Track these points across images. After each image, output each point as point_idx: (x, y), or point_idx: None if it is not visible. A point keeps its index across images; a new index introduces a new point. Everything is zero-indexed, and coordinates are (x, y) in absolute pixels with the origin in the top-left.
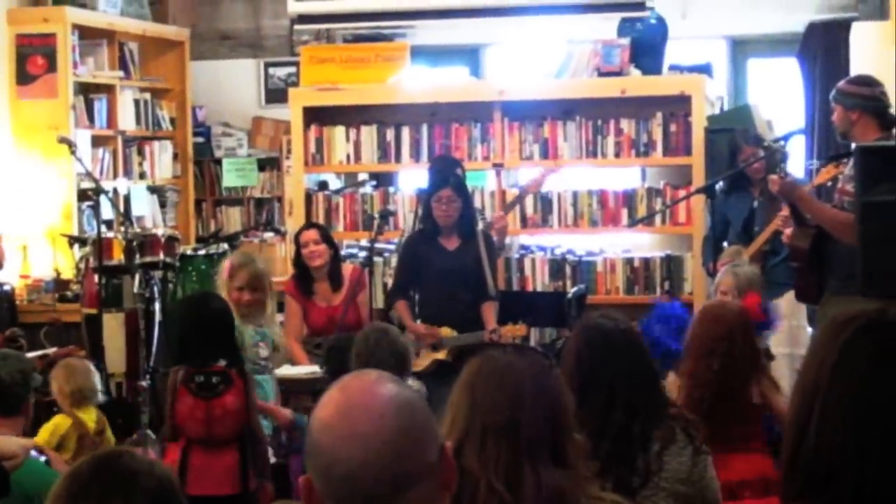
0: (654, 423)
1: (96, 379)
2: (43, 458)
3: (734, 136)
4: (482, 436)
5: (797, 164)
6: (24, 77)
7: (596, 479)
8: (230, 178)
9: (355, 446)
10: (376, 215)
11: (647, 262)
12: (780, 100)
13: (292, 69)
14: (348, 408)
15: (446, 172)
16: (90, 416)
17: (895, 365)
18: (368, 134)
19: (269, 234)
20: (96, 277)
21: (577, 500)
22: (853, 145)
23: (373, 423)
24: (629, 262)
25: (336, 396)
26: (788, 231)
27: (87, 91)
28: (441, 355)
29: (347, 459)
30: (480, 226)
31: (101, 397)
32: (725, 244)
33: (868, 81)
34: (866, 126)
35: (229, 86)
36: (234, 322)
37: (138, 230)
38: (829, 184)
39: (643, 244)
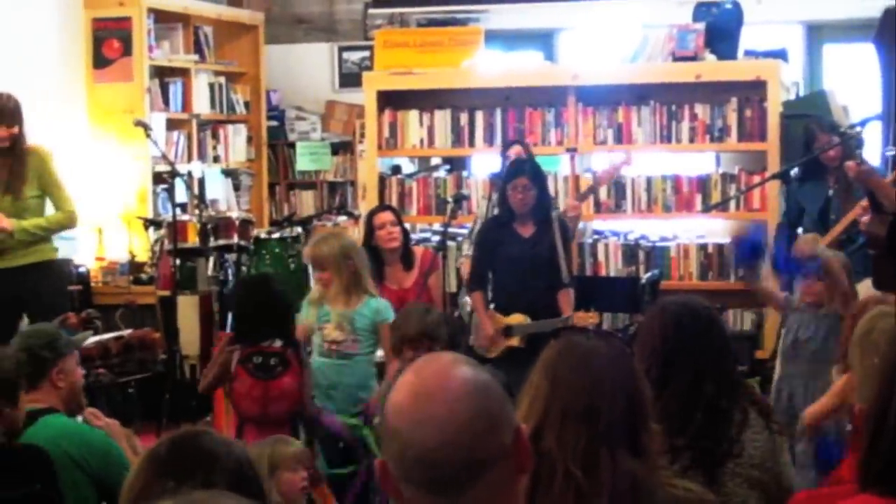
0: (733, 405)
1: None
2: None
3: (809, 124)
4: (561, 420)
5: (873, 150)
6: (100, 61)
7: (674, 464)
8: (303, 161)
9: (430, 430)
10: (450, 199)
11: (720, 248)
12: (857, 86)
13: (366, 53)
14: (423, 391)
15: (520, 159)
16: None
17: None
18: (442, 118)
19: (342, 218)
20: (171, 260)
21: (651, 487)
22: None
23: (447, 407)
24: (703, 247)
25: (410, 380)
26: (866, 219)
27: (162, 75)
28: (514, 342)
29: (422, 443)
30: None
31: None
32: (800, 231)
33: None
34: None
35: (303, 70)
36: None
37: (213, 213)
38: None
39: (717, 230)
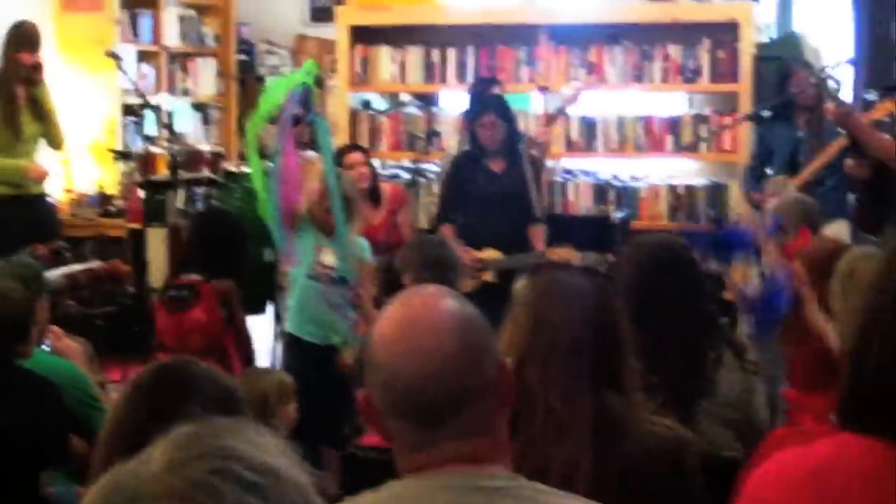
0: (708, 344)
1: None
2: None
3: (784, 62)
4: (545, 355)
5: (846, 94)
6: None
7: (650, 401)
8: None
9: (416, 362)
10: (421, 135)
11: (691, 189)
12: (828, 29)
13: None
14: (409, 323)
15: (486, 96)
16: None
17: None
18: (414, 54)
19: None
20: (141, 192)
21: (632, 423)
22: None
23: (434, 339)
24: (673, 188)
25: (397, 311)
26: (850, 162)
27: (132, 6)
28: (487, 277)
29: (408, 374)
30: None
31: None
32: (769, 172)
33: None
34: None
35: (274, 4)
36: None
37: (183, 146)
38: (887, 119)
39: (688, 171)
